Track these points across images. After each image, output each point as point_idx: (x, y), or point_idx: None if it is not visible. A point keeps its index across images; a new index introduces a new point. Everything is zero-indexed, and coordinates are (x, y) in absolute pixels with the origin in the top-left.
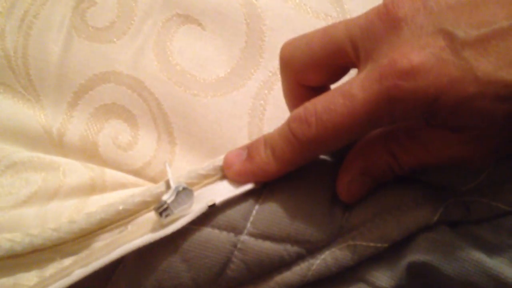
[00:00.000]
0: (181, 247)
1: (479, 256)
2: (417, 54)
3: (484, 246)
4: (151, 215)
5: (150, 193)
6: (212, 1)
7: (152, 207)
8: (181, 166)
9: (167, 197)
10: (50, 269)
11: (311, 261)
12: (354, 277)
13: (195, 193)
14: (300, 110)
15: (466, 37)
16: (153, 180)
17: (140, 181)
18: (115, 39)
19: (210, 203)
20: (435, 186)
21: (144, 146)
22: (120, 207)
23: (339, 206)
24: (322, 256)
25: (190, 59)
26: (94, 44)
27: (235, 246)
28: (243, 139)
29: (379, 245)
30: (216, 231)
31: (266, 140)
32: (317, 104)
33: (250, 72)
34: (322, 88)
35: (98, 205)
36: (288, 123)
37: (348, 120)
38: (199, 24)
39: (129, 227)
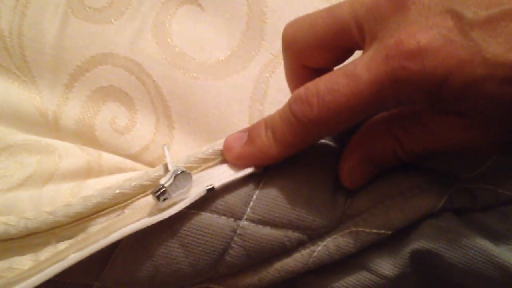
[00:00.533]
0: (179, 232)
1: (484, 244)
2: (425, 34)
3: (490, 234)
4: (148, 199)
5: (148, 177)
6: None
7: (149, 191)
8: (179, 150)
9: (165, 181)
10: (45, 253)
11: (313, 247)
12: (356, 265)
13: (194, 177)
14: (301, 90)
15: (475, 18)
16: (151, 164)
17: (137, 165)
18: (112, 20)
19: (209, 187)
20: (440, 172)
21: (142, 129)
22: (117, 191)
23: (341, 192)
24: (324, 243)
25: (190, 41)
26: (91, 25)
27: (234, 231)
28: (244, 123)
29: (382, 232)
30: (215, 216)
31: (267, 122)
32: (319, 84)
33: (251, 54)
34: (325, 70)
35: (94, 188)
36: (289, 104)
37: (351, 101)
38: (199, 5)
39: (126, 211)
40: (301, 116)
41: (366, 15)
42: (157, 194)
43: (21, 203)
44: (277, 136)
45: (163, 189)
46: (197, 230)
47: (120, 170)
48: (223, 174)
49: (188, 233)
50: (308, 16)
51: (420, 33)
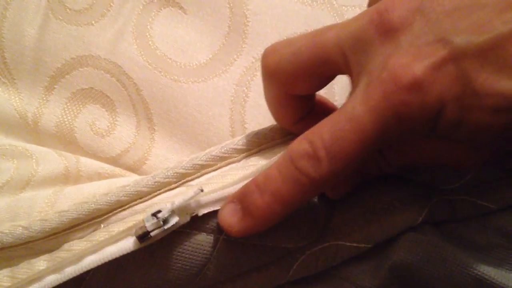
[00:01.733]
0: (158, 251)
1: (463, 257)
2: (419, 66)
3: (469, 246)
4: (124, 214)
5: (124, 193)
6: None
7: (127, 206)
8: (161, 153)
9: (151, 228)
10: (21, 270)
11: (292, 261)
12: (337, 277)
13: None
14: (305, 145)
15: (467, 46)
16: (131, 168)
17: (116, 170)
18: (93, 22)
19: (193, 214)
20: (421, 184)
21: (123, 132)
22: (93, 206)
23: (323, 204)
24: (303, 256)
25: (171, 44)
26: (71, 26)
27: (214, 247)
28: (225, 126)
29: (362, 245)
30: (195, 232)
31: (260, 185)
32: (323, 134)
33: (233, 57)
34: (307, 96)
35: (71, 198)
36: (292, 161)
37: (359, 146)
38: (181, 8)
39: (102, 226)
40: (313, 174)
41: (353, 45)
42: (141, 240)
43: None
44: (280, 197)
45: (149, 236)
46: (177, 247)
47: (99, 175)
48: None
49: (168, 251)
50: (291, 43)
51: (414, 64)
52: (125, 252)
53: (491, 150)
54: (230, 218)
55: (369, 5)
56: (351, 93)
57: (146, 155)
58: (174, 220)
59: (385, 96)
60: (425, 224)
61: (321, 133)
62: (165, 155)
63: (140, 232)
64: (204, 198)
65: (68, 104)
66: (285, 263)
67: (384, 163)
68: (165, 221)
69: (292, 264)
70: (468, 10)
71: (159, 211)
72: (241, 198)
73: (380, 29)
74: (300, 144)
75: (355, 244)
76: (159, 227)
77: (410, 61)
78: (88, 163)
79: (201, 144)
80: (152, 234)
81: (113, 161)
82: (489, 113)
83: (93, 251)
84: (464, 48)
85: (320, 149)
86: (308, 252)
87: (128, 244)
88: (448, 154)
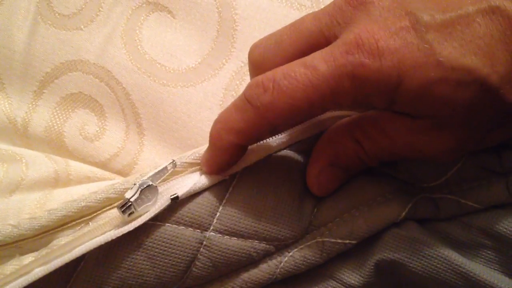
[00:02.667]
0: (145, 244)
1: (448, 253)
2: (383, 34)
3: (452, 243)
4: (114, 212)
5: (113, 190)
6: None
7: (115, 204)
8: (150, 158)
9: (130, 195)
10: (10, 266)
11: (279, 258)
12: (323, 274)
13: (161, 188)
14: (259, 76)
15: (432, 20)
16: (121, 173)
17: (106, 174)
18: (82, 27)
19: (173, 196)
20: (404, 181)
21: (112, 137)
22: (82, 204)
23: (308, 201)
24: (290, 253)
25: (160, 48)
26: (60, 31)
27: (201, 243)
28: None
29: (347, 241)
30: (182, 228)
31: (219, 118)
32: (277, 71)
33: (222, 62)
34: None
35: (60, 200)
36: (244, 90)
37: (308, 91)
38: (169, 12)
39: (91, 224)
40: (255, 100)
41: (330, 21)
42: (122, 208)
43: None
44: (226, 125)
45: (129, 203)
46: (163, 242)
47: (88, 179)
48: (189, 184)
49: (154, 245)
50: (273, 34)
51: (379, 32)
52: (112, 237)
53: (462, 132)
54: (203, 156)
55: None
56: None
57: (135, 159)
58: (154, 192)
59: (346, 54)
60: (409, 221)
61: (276, 70)
62: (154, 160)
63: (123, 203)
64: (187, 183)
65: (57, 109)
66: (273, 260)
67: (364, 156)
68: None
69: (279, 261)
70: None
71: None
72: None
73: (353, 4)
74: (256, 77)
75: (340, 241)
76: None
77: (376, 29)
78: (77, 167)
79: (190, 148)
80: (132, 201)
81: (103, 165)
82: (452, 86)
83: (81, 243)
84: (428, 21)
85: (269, 80)
86: (295, 249)
87: (115, 232)
88: (418, 141)
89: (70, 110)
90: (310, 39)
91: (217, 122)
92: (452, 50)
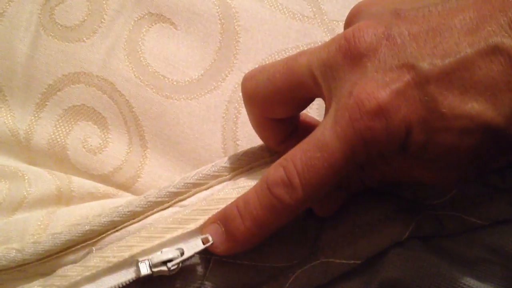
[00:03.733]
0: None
1: (452, 271)
2: (383, 92)
3: (457, 261)
4: (118, 235)
5: (117, 213)
6: (185, 0)
7: (120, 227)
8: (153, 171)
9: (156, 272)
10: None
11: (283, 280)
12: None
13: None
14: (280, 172)
15: (431, 70)
16: (124, 186)
17: (109, 189)
18: (84, 38)
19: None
20: (407, 199)
21: (115, 149)
22: (87, 228)
23: (312, 222)
24: (295, 275)
25: (162, 60)
26: (63, 43)
27: (206, 268)
28: (217, 143)
29: (351, 262)
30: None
31: (241, 211)
32: (296, 162)
33: (224, 74)
34: (289, 119)
35: (64, 220)
36: (269, 188)
37: (330, 172)
38: (172, 24)
39: (94, 249)
40: (288, 200)
41: (323, 70)
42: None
43: None
44: (259, 223)
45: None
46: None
47: (91, 195)
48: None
49: (162, 276)
50: (266, 69)
51: (378, 91)
52: (123, 284)
53: (464, 169)
54: (215, 237)
55: (345, 25)
56: (324, 118)
57: (138, 172)
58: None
59: (352, 122)
60: (413, 239)
61: (294, 160)
62: (158, 172)
63: (143, 273)
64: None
65: (60, 121)
66: (277, 283)
67: (367, 178)
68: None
69: (284, 283)
70: (434, 33)
71: (170, 260)
72: (224, 221)
73: (347, 56)
74: (276, 171)
75: (344, 261)
76: (166, 272)
77: (375, 87)
78: (80, 183)
79: (194, 161)
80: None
81: (106, 178)
82: (457, 135)
83: (89, 279)
84: (428, 71)
85: (294, 177)
86: (299, 271)
87: (126, 275)
88: (423, 176)
89: (73, 123)
90: (301, 80)
91: (245, 219)
92: (454, 99)
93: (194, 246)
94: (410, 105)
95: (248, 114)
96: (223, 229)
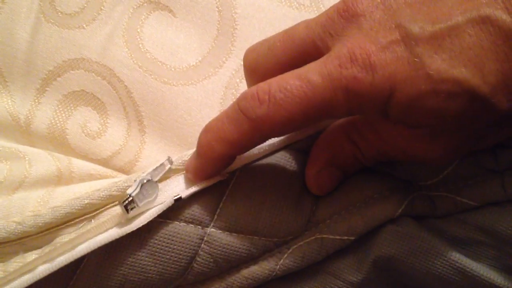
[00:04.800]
0: (147, 241)
1: (445, 249)
2: (374, 48)
3: (449, 240)
4: (116, 209)
5: (116, 187)
6: None
7: (117, 201)
8: (151, 155)
9: (132, 190)
10: (13, 263)
11: (279, 255)
12: (323, 271)
13: (161, 185)
14: (253, 88)
15: (421, 33)
16: (122, 170)
17: (108, 171)
18: (84, 25)
19: (176, 197)
20: (401, 179)
21: (114, 134)
22: (86, 201)
23: (307, 199)
24: (290, 250)
25: (161, 47)
26: (63, 30)
27: (202, 239)
28: None
29: (345, 238)
30: (183, 224)
31: (207, 126)
32: (272, 83)
33: (222, 60)
34: None
35: (63, 197)
36: (238, 101)
37: (303, 103)
38: (170, 11)
39: (93, 221)
40: (251, 113)
41: (322, 32)
42: (124, 203)
43: None
44: (218, 135)
45: (130, 198)
46: (165, 238)
47: (90, 176)
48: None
49: (156, 241)
50: (267, 40)
51: (370, 47)
52: (115, 237)
53: (453, 140)
54: (189, 161)
55: None
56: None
57: (137, 156)
58: (154, 188)
59: (340, 68)
60: (406, 217)
61: (270, 82)
62: (156, 157)
63: (125, 201)
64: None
65: (59, 106)
66: (272, 257)
67: (361, 156)
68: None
69: (279, 258)
70: (430, 1)
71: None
72: (197, 142)
73: (345, 16)
74: (250, 89)
75: (338, 237)
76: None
77: (367, 42)
78: (80, 164)
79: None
80: (134, 196)
81: (104, 162)
82: (443, 98)
83: (84, 240)
84: (418, 34)
85: (265, 93)
86: (295, 246)
87: (117, 230)
88: (413, 147)
89: (72, 108)
90: (302, 47)
91: (207, 131)
92: (442, 62)
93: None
94: (398, 63)
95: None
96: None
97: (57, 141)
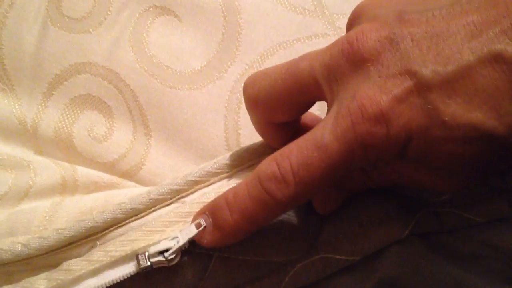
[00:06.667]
0: (155, 270)
1: (450, 268)
2: (385, 98)
3: (455, 256)
4: (121, 231)
5: (121, 210)
6: None
7: (123, 223)
8: (157, 159)
9: (155, 263)
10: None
11: (284, 274)
12: (326, 286)
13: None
14: (273, 166)
15: (433, 77)
16: (128, 173)
17: (113, 178)
18: (91, 30)
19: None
20: (408, 197)
21: (120, 137)
22: (90, 224)
23: (313, 219)
24: (295, 269)
25: (166, 51)
26: (69, 34)
27: (208, 263)
28: (219, 132)
29: (350, 258)
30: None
31: (230, 203)
32: (291, 159)
33: (227, 65)
34: (291, 122)
35: (69, 212)
36: (260, 182)
37: (325, 172)
38: (176, 16)
39: (98, 243)
40: (279, 196)
41: (326, 74)
42: (141, 266)
43: None
44: (247, 216)
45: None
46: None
47: (95, 184)
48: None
49: (164, 269)
50: (267, 74)
51: (381, 97)
52: (125, 277)
53: (466, 176)
54: (202, 230)
55: (348, 25)
56: (324, 118)
57: (142, 160)
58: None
59: (352, 126)
60: (412, 236)
61: (289, 156)
62: (161, 160)
63: (143, 264)
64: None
65: (66, 110)
66: (277, 276)
67: (368, 180)
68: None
69: (284, 277)
70: (437, 39)
71: (166, 250)
72: (212, 212)
73: (350, 60)
74: (269, 166)
75: (343, 257)
76: (164, 262)
77: (377, 92)
78: (84, 172)
79: (196, 150)
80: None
81: (111, 166)
82: (459, 144)
83: (93, 273)
84: (430, 79)
85: (288, 173)
86: (299, 265)
87: (127, 269)
88: (428, 181)
89: (79, 112)
90: (304, 86)
91: (233, 211)
92: (456, 107)
93: (188, 233)
94: (411, 112)
95: (251, 117)
96: (211, 220)
97: (63, 145)
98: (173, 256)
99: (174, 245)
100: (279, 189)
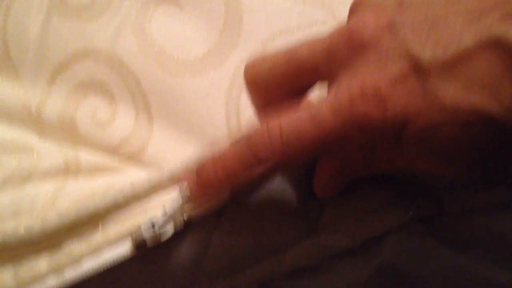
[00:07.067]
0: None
1: (451, 254)
2: (385, 81)
3: (456, 242)
4: (121, 215)
5: (122, 195)
6: None
7: (123, 208)
8: (159, 143)
9: (148, 238)
10: (24, 269)
11: (282, 255)
12: (326, 270)
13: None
14: (263, 130)
15: (433, 62)
16: (130, 158)
17: (115, 163)
18: (94, 18)
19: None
20: (409, 183)
21: (122, 122)
22: (92, 208)
23: (313, 203)
24: (294, 251)
25: (169, 39)
26: (73, 22)
27: (209, 241)
28: (220, 118)
29: (350, 243)
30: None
31: (215, 158)
32: (283, 125)
33: (228, 52)
34: None
35: (71, 197)
36: (248, 143)
37: (315, 144)
38: (177, 5)
39: (100, 226)
40: (263, 157)
41: (326, 58)
42: (138, 248)
43: (1, 207)
44: (229, 172)
45: (145, 245)
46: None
47: (98, 168)
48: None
49: (161, 258)
50: (267, 59)
51: (380, 79)
52: (121, 259)
53: (465, 161)
54: (187, 186)
55: (350, 13)
56: (322, 99)
57: (145, 144)
58: (169, 229)
59: (350, 105)
60: (413, 222)
61: (281, 120)
62: (163, 145)
63: (137, 241)
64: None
65: (70, 96)
66: (277, 258)
67: (370, 168)
68: (161, 228)
69: (283, 259)
70: (437, 25)
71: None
72: (198, 169)
73: (351, 46)
74: (260, 128)
75: (344, 241)
76: (156, 237)
77: (377, 76)
78: (87, 156)
79: (198, 135)
80: (149, 244)
81: (114, 150)
82: (458, 128)
83: (92, 254)
84: (429, 63)
85: (276, 135)
86: (299, 247)
87: (124, 249)
88: (426, 166)
89: (82, 97)
90: (303, 72)
91: (217, 171)
92: (455, 92)
93: (173, 201)
94: (410, 96)
95: (251, 100)
96: (195, 178)
97: (67, 129)
98: (163, 229)
99: (162, 216)
100: (264, 150)
